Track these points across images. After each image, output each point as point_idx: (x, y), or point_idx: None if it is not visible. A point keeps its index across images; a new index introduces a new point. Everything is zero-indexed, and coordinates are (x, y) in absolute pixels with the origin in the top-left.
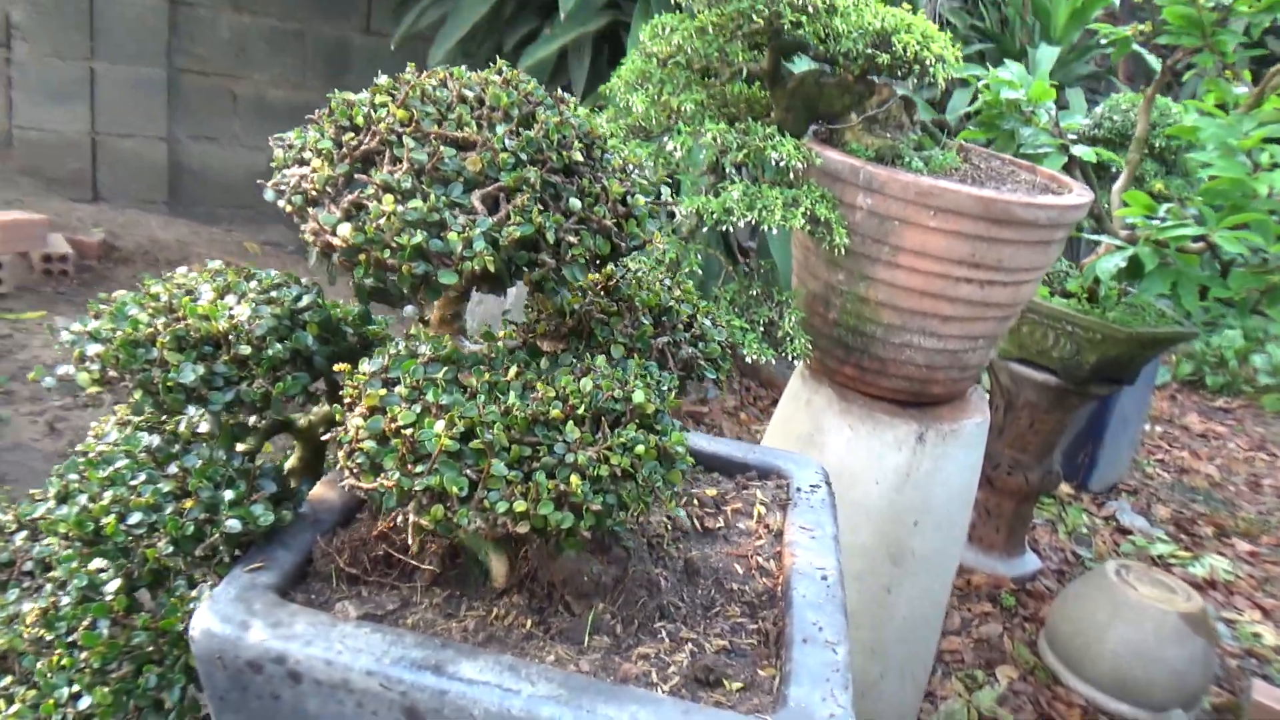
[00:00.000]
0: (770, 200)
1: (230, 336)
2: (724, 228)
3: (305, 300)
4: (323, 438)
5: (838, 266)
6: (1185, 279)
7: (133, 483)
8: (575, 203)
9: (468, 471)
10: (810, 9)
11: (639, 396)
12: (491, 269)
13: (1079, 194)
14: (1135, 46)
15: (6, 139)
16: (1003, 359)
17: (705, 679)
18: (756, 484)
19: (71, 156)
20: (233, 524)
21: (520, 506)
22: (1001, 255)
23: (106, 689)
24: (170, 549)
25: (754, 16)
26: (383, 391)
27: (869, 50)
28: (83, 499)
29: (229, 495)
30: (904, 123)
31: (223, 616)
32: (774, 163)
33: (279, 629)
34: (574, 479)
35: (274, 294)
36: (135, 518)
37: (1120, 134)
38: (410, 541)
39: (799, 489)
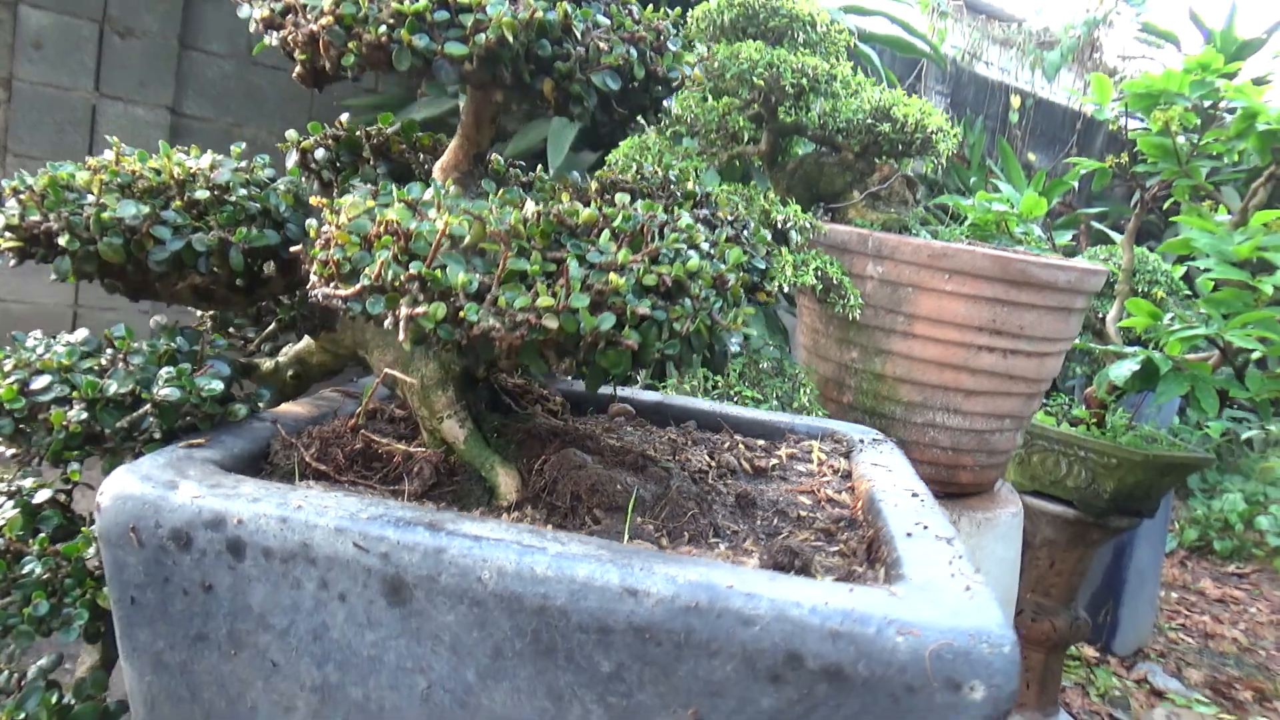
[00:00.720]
0: (778, 259)
1: (185, 183)
2: None
3: (278, 179)
4: (290, 376)
5: (850, 344)
6: (1202, 382)
7: (41, 350)
8: (604, 20)
9: (477, 274)
10: (810, 74)
11: (690, 186)
12: (510, 38)
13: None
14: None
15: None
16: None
17: (789, 563)
18: (808, 442)
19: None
20: (169, 391)
21: (546, 300)
22: (1023, 321)
23: None
24: (83, 415)
25: (754, 80)
26: (370, 203)
27: (869, 121)
28: None
29: (166, 371)
30: (908, 198)
31: (143, 476)
32: (779, 224)
33: (217, 489)
34: (613, 276)
35: (243, 163)
36: (41, 381)
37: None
38: (401, 332)
39: (860, 441)
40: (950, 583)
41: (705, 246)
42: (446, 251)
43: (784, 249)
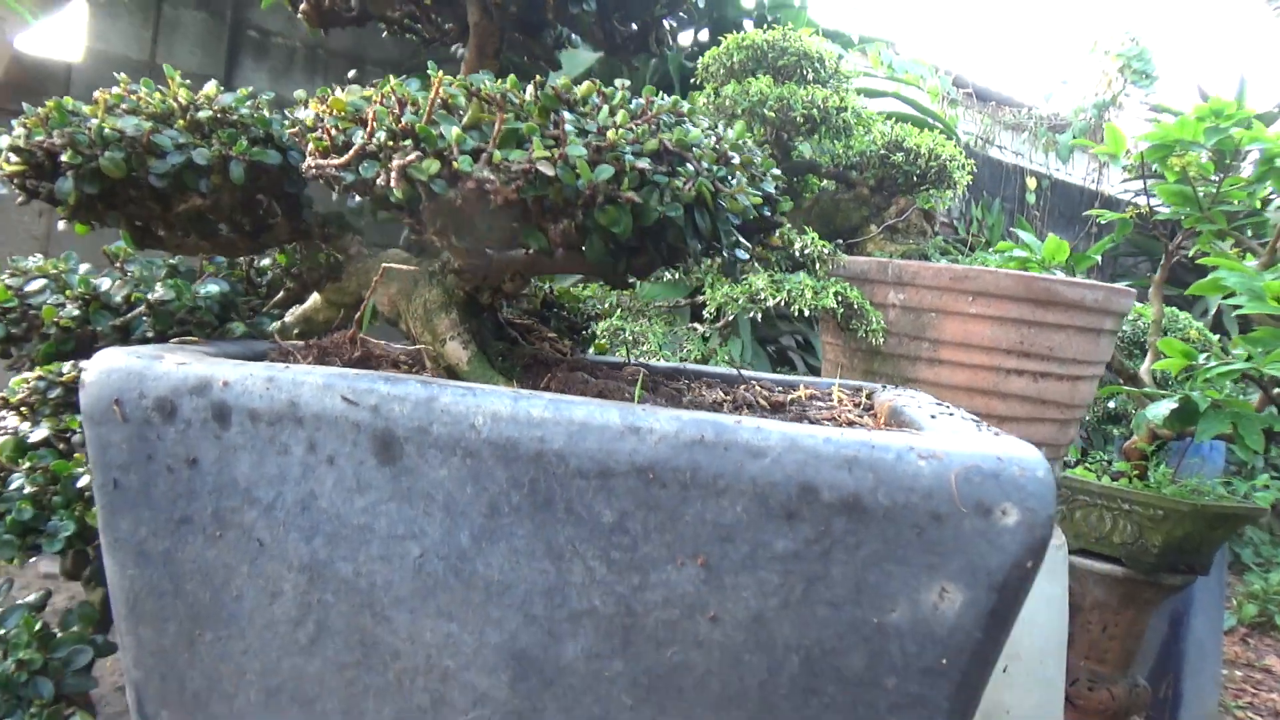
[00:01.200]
0: (798, 284)
1: (188, 107)
2: (752, 314)
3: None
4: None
5: (875, 375)
6: (1244, 419)
7: (29, 266)
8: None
9: (471, 137)
10: (821, 105)
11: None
12: None
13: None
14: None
15: None
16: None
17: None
18: (829, 388)
19: None
20: (164, 293)
21: (541, 151)
22: (1052, 342)
23: None
24: (75, 311)
25: (765, 113)
26: (367, 91)
27: (882, 153)
28: None
29: (160, 285)
30: (925, 229)
31: (129, 352)
32: (798, 251)
33: (204, 360)
34: (611, 133)
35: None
36: (36, 284)
37: (1132, 341)
38: (394, 185)
39: (882, 387)
40: (977, 432)
41: (708, 131)
42: (442, 115)
43: (803, 274)
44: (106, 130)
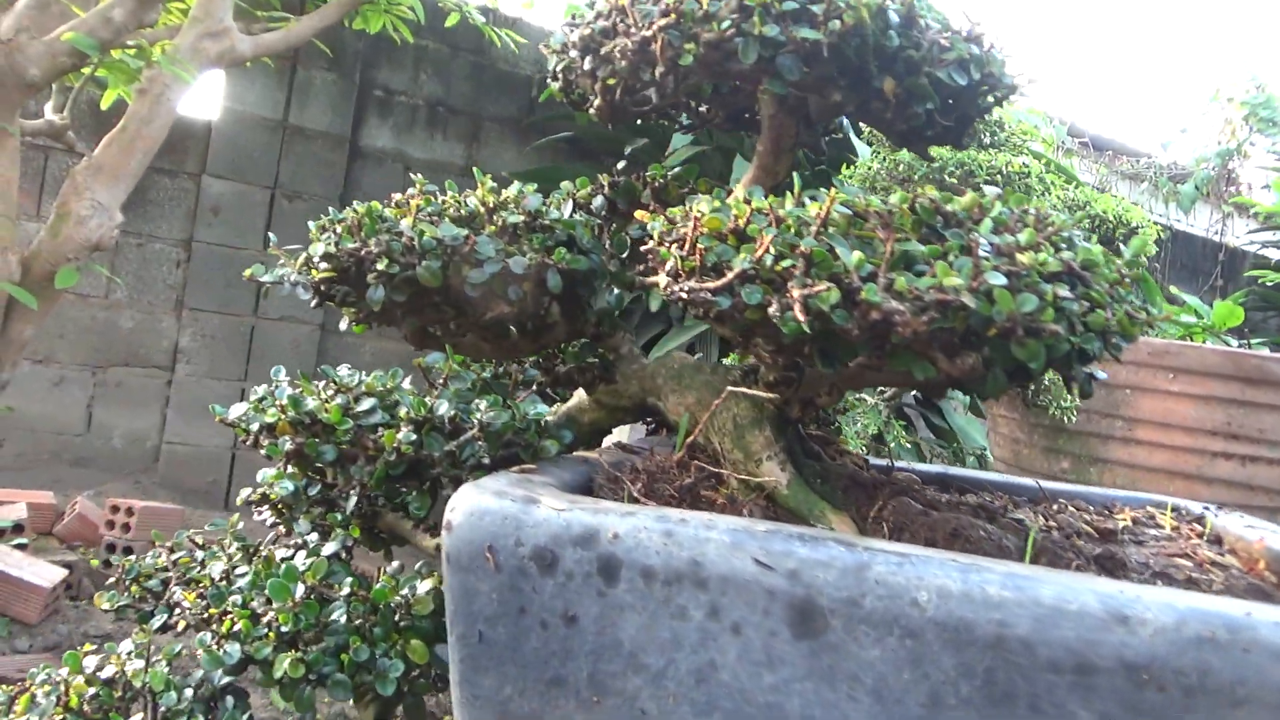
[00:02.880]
0: None
1: (495, 209)
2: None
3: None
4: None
5: (1060, 454)
6: None
7: (354, 382)
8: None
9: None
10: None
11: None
12: (867, 19)
13: None
14: None
15: (154, 454)
16: None
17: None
18: (1147, 509)
19: (210, 469)
20: (494, 415)
21: (953, 279)
22: (1263, 424)
23: (296, 657)
24: (412, 436)
25: (945, 178)
26: (717, 203)
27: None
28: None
29: (483, 403)
30: None
31: (496, 492)
32: None
33: (582, 505)
34: (1022, 256)
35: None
36: (366, 403)
37: None
38: (799, 314)
39: (1205, 508)
40: None
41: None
42: (830, 234)
43: None
44: (425, 237)
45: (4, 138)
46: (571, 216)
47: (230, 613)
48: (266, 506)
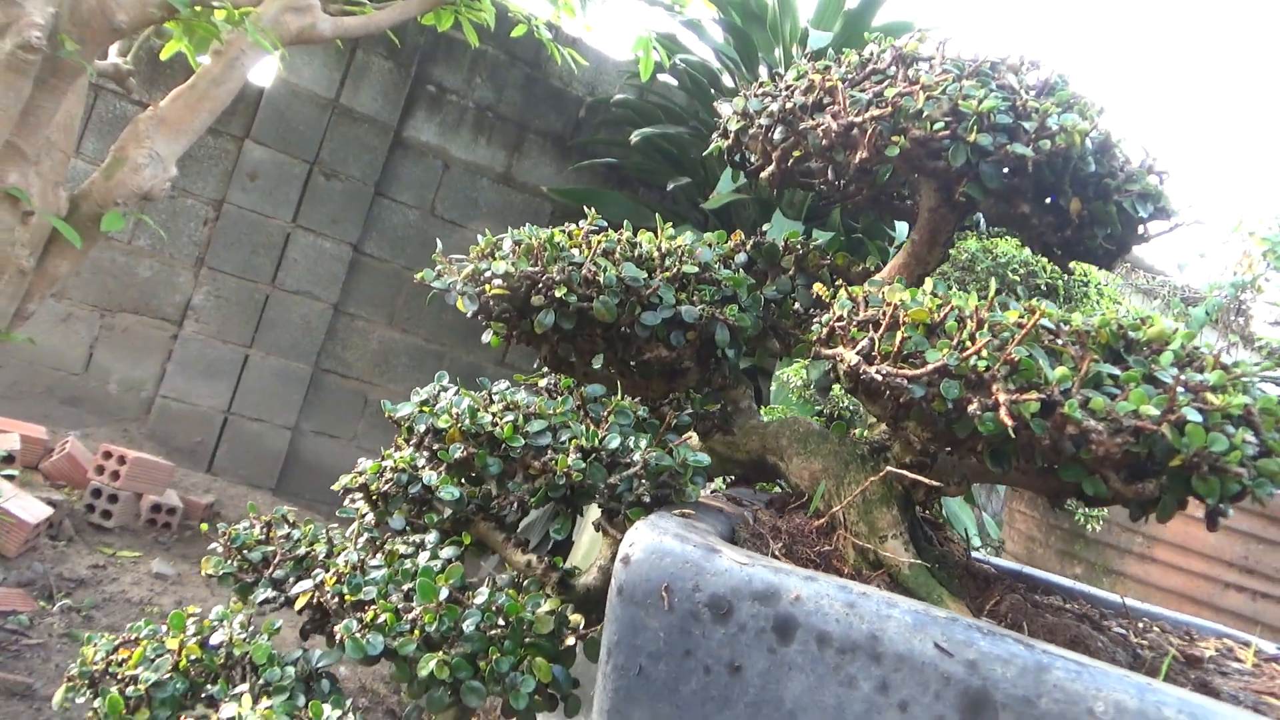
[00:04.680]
0: None
1: (667, 255)
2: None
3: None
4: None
5: (1075, 559)
6: None
7: (523, 400)
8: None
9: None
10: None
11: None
12: (1077, 143)
13: None
14: None
15: (148, 405)
16: None
17: None
18: (1225, 640)
19: (200, 429)
20: (657, 454)
21: (1150, 409)
22: (1279, 562)
23: (442, 659)
24: (581, 464)
25: (1007, 274)
26: (910, 292)
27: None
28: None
29: (644, 441)
30: None
31: (677, 535)
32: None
33: (762, 563)
34: (1214, 397)
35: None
36: (536, 425)
37: None
38: (1005, 416)
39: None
40: None
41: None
42: (1027, 344)
43: None
44: (609, 274)
45: (79, 76)
46: (736, 274)
47: (374, 603)
48: (360, 496)
